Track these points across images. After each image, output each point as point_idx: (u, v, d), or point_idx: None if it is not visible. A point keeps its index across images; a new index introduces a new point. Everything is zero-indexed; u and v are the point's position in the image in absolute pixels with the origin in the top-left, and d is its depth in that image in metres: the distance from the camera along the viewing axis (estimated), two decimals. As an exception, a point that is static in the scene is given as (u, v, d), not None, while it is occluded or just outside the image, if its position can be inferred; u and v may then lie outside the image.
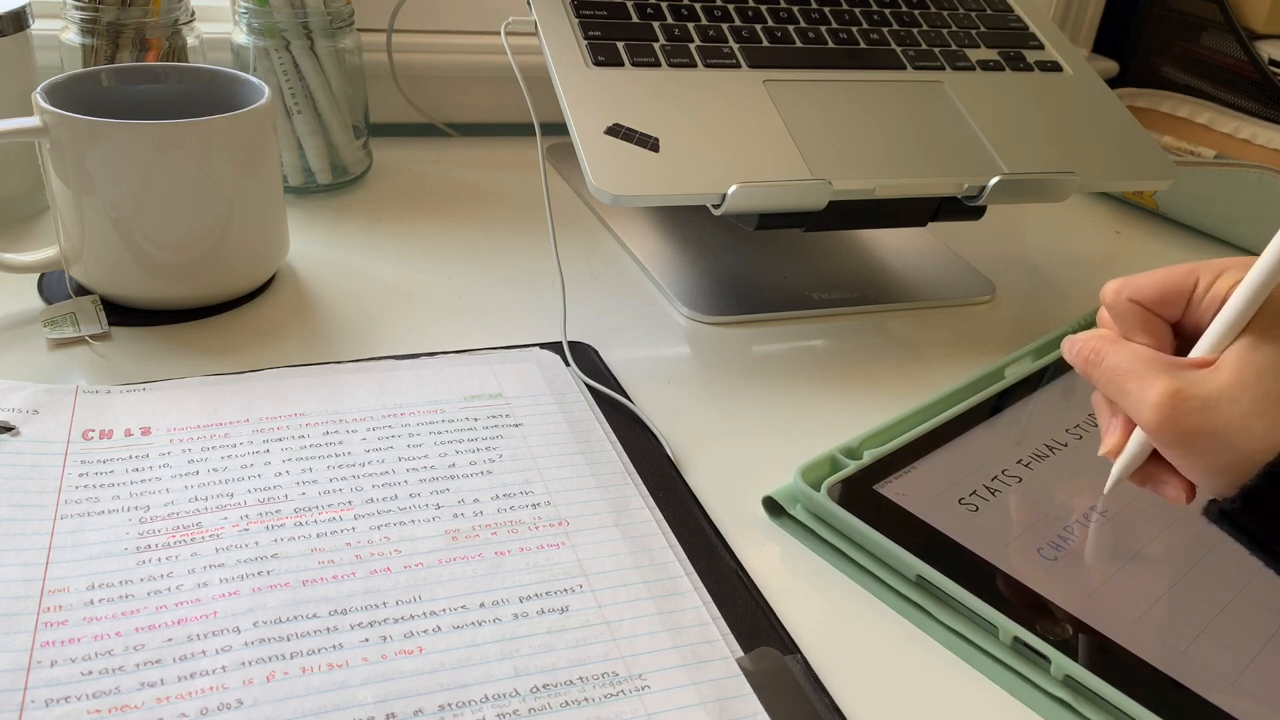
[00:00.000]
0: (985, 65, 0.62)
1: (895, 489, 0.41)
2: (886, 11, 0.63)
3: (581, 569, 0.37)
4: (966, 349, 0.56)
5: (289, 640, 0.32)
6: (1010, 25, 0.66)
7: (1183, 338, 0.35)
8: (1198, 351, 0.33)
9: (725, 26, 0.58)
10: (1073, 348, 0.36)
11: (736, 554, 0.39)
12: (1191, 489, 0.34)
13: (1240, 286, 0.32)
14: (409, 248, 0.61)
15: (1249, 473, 0.30)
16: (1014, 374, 0.51)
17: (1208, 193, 0.72)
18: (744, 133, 0.52)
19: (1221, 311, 0.32)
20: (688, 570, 0.37)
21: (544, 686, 0.32)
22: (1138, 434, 0.35)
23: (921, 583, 0.37)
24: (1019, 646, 0.35)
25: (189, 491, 0.38)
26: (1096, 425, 0.47)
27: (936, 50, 0.61)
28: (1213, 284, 0.33)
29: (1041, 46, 0.65)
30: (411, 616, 0.34)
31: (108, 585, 0.34)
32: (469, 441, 0.43)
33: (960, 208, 0.55)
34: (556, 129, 0.58)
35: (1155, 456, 0.35)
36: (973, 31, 0.64)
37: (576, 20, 0.56)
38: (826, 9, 0.62)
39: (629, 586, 0.36)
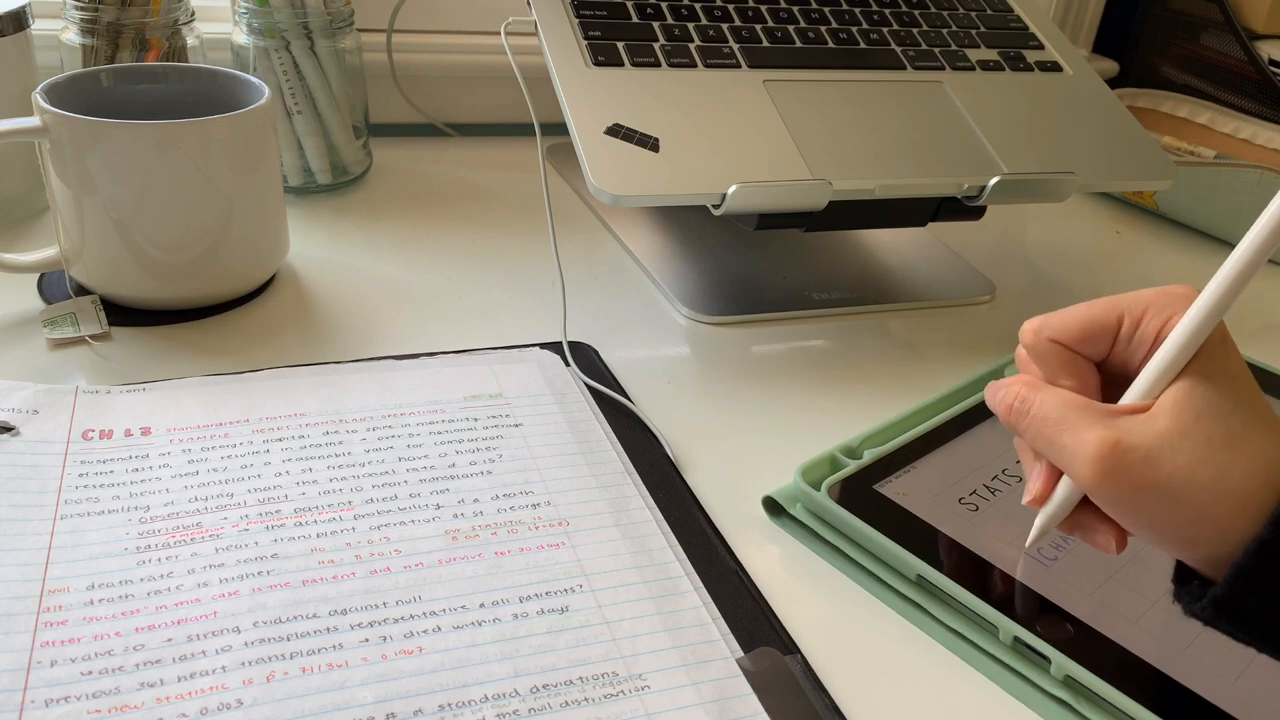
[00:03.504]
0: (985, 65, 0.62)
1: (895, 488, 0.41)
2: (886, 11, 0.63)
3: (581, 569, 0.37)
4: (966, 349, 0.56)
5: (289, 640, 0.32)
6: (1010, 25, 0.66)
7: (1108, 377, 0.33)
8: (1131, 396, 0.31)
9: (725, 26, 0.58)
10: (995, 395, 0.34)
11: (736, 554, 0.39)
12: (1123, 537, 0.32)
13: (1178, 327, 0.30)
14: (409, 248, 0.61)
15: (1194, 526, 0.29)
16: (1014, 374, 0.51)
17: (1208, 193, 0.72)
18: (744, 133, 0.52)
19: (1157, 353, 0.30)
20: (688, 570, 0.37)
21: (544, 686, 0.32)
22: (1065, 484, 0.32)
23: (922, 582, 0.37)
24: (1019, 646, 0.35)
25: (189, 491, 0.38)
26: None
27: (936, 50, 0.61)
28: (1140, 321, 0.31)
29: (1041, 46, 0.65)
30: (411, 616, 0.34)
31: (108, 585, 0.34)
32: (469, 441, 0.43)
33: (960, 208, 0.55)
34: (556, 129, 0.58)
35: (1083, 503, 0.32)
36: (973, 31, 0.64)
37: (576, 20, 0.56)
38: (826, 9, 0.62)
39: (629, 586, 0.36)
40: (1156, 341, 0.31)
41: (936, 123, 0.57)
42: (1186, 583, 0.31)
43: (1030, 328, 0.33)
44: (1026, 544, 0.34)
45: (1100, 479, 0.29)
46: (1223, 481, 0.28)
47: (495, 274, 0.58)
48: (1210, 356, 0.30)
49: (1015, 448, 0.35)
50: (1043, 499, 0.33)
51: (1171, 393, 0.30)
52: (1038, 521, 0.33)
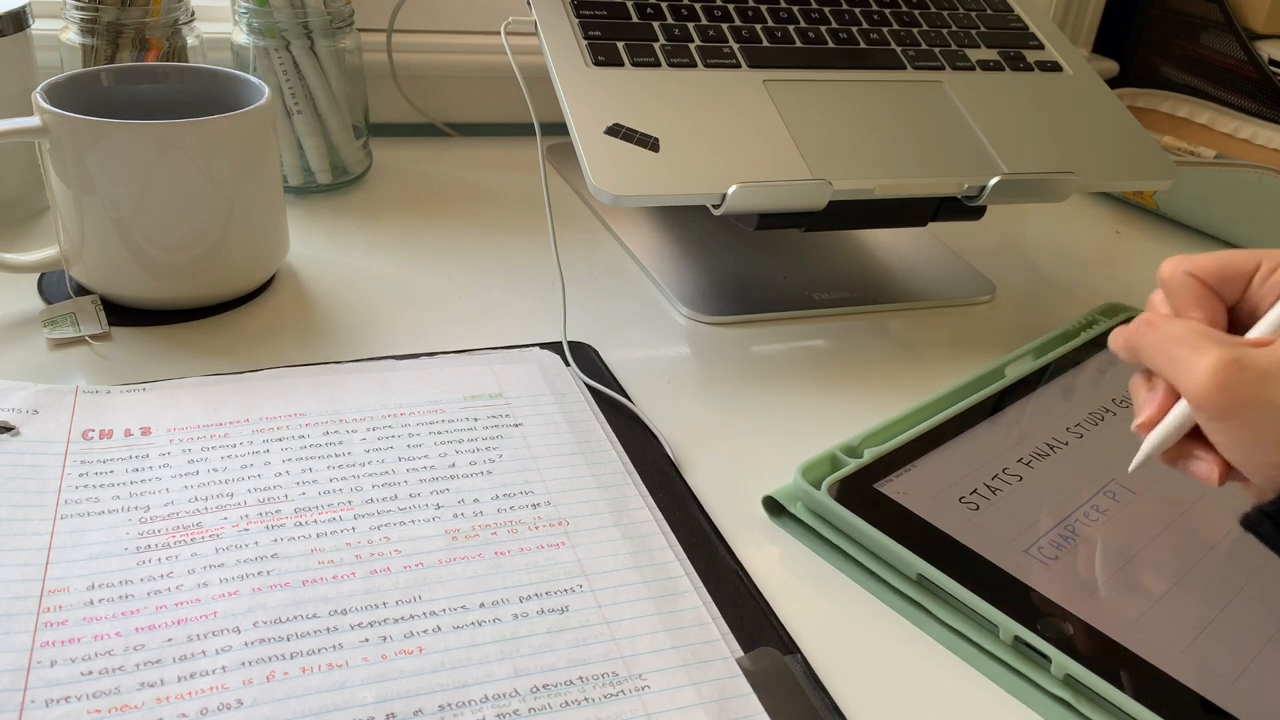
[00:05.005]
0: (985, 65, 0.62)
1: (896, 487, 0.41)
2: (886, 11, 0.63)
3: (581, 569, 0.37)
4: (966, 349, 0.56)
5: (289, 640, 0.32)
6: (1010, 25, 0.66)
7: (1236, 323, 0.34)
8: (1256, 333, 0.32)
9: (725, 26, 0.58)
10: (1121, 332, 0.35)
11: (736, 554, 0.39)
12: (1226, 469, 0.33)
13: None
14: (409, 248, 0.61)
15: None
16: (1014, 373, 0.51)
17: (1208, 193, 0.72)
18: (744, 133, 0.52)
19: None
20: (688, 570, 0.37)
21: (544, 686, 0.32)
22: (1179, 408, 0.33)
23: (922, 581, 0.37)
24: (1019, 646, 0.35)
25: (189, 491, 0.38)
26: (1097, 424, 0.47)
27: (936, 50, 0.61)
28: (1276, 269, 0.33)
29: (1041, 46, 0.65)
30: (411, 616, 0.34)
31: (108, 585, 0.34)
32: (469, 441, 0.43)
33: (960, 208, 0.55)
34: (556, 129, 0.58)
35: (1190, 434, 0.33)
36: (973, 31, 0.64)
37: (576, 20, 0.56)
38: (826, 9, 0.62)
39: (629, 586, 0.36)
40: None
41: (936, 123, 0.57)
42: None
43: (1170, 262, 0.34)
44: (1130, 467, 0.35)
45: (1214, 391, 0.30)
46: None
47: (495, 274, 0.58)
48: None
49: (1130, 387, 0.36)
50: (1153, 423, 0.34)
51: None
52: (1146, 444, 0.34)
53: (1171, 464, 0.34)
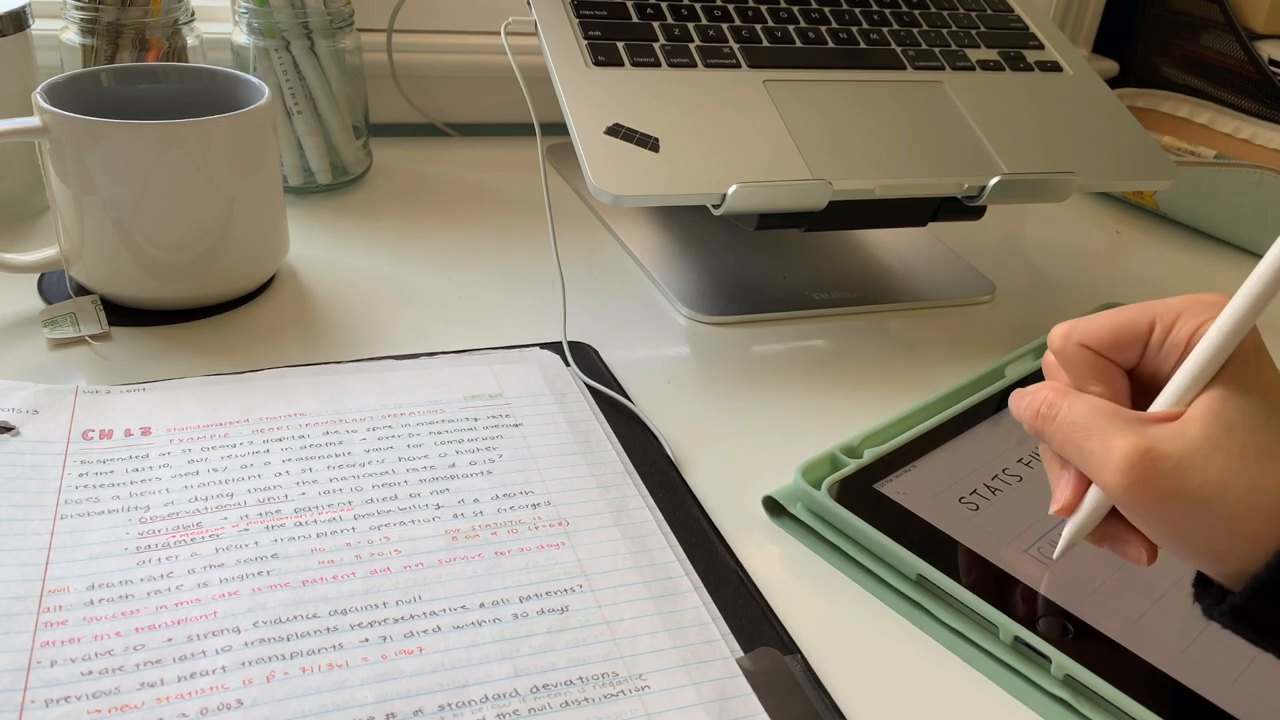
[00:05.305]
0: (985, 65, 0.62)
1: (896, 488, 0.41)
2: (886, 11, 0.63)
3: (581, 569, 0.37)
4: (966, 349, 0.56)
5: (289, 640, 0.32)
6: (1010, 25, 0.66)
7: (1138, 385, 0.32)
8: (1161, 404, 0.30)
9: (725, 26, 0.58)
10: (1020, 402, 0.33)
11: (736, 554, 0.39)
12: (1154, 549, 0.31)
13: (1209, 333, 0.29)
14: (409, 248, 0.61)
15: (1223, 539, 0.28)
16: (1014, 373, 0.51)
17: (1208, 193, 0.72)
18: (744, 133, 0.52)
19: (1187, 360, 0.29)
20: (688, 570, 0.37)
21: (544, 686, 0.32)
22: (1095, 491, 0.31)
23: (922, 582, 0.37)
24: (1019, 646, 0.35)
25: (189, 491, 0.38)
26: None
27: (936, 50, 0.61)
28: (1172, 328, 0.30)
29: (1041, 46, 0.65)
30: (411, 616, 0.34)
31: (108, 585, 0.34)
32: (469, 441, 0.43)
33: (960, 208, 0.55)
34: (556, 129, 0.58)
35: (1114, 513, 0.31)
36: (973, 31, 0.64)
37: (576, 20, 0.56)
38: (826, 9, 0.62)
39: (629, 586, 0.36)
40: (1188, 347, 0.30)
41: (936, 123, 0.57)
42: (1208, 586, 0.30)
43: (1059, 332, 0.32)
44: (1055, 555, 0.33)
45: (1129, 487, 0.29)
46: (1255, 495, 0.27)
47: (495, 274, 0.58)
48: (1243, 365, 0.29)
49: (1041, 456, 0.34)
50: (1071, 508, 0.32)
51: (1203, 402, 0.29)
52: (1066, 532, 0.32)
53: (1099, 545, 0.32)
